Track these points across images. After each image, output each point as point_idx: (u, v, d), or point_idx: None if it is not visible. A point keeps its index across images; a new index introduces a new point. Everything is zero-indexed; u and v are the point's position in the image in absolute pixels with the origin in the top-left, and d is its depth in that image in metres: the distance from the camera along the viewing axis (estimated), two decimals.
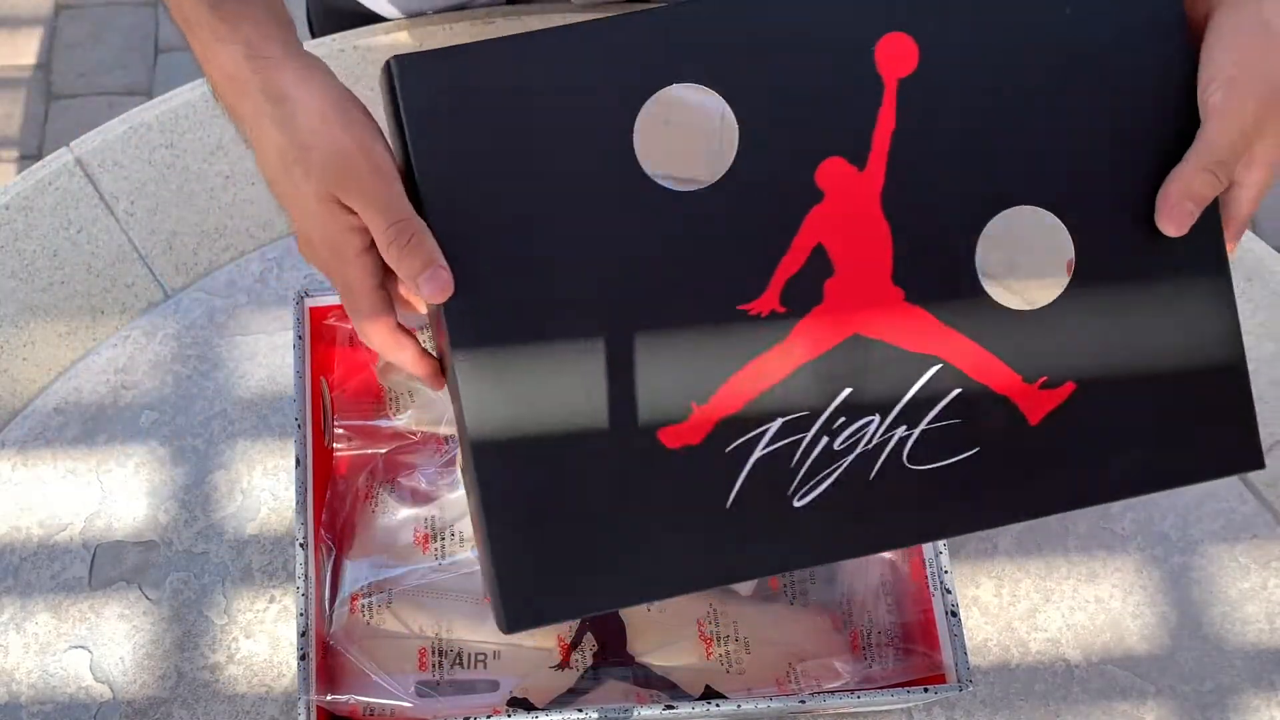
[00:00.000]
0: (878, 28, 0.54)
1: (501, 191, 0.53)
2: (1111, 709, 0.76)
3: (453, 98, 0.53)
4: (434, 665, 0.68)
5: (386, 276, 0.55)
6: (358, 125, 0.54)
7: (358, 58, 0.92)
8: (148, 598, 0.78)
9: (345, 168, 0.53)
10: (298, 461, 0.69)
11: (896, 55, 0.54)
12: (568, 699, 0.67)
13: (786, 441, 0.54)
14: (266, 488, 0.80)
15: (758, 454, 0.54)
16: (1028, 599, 0.79)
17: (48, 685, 0.76)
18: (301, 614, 0.66)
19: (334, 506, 0.73)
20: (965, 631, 0.67)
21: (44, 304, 0.86)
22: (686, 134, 0.59)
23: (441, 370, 0.57)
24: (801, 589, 0.77)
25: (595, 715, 0.64)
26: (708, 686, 0.67)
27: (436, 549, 0.70)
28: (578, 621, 0.68)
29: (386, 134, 0.55)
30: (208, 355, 0.84)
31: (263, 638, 0.77)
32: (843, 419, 0.55)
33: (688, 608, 0.69)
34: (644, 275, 0.54)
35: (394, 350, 0.57)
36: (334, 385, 0.76)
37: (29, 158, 1.77)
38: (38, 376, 0.84)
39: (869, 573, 0.72)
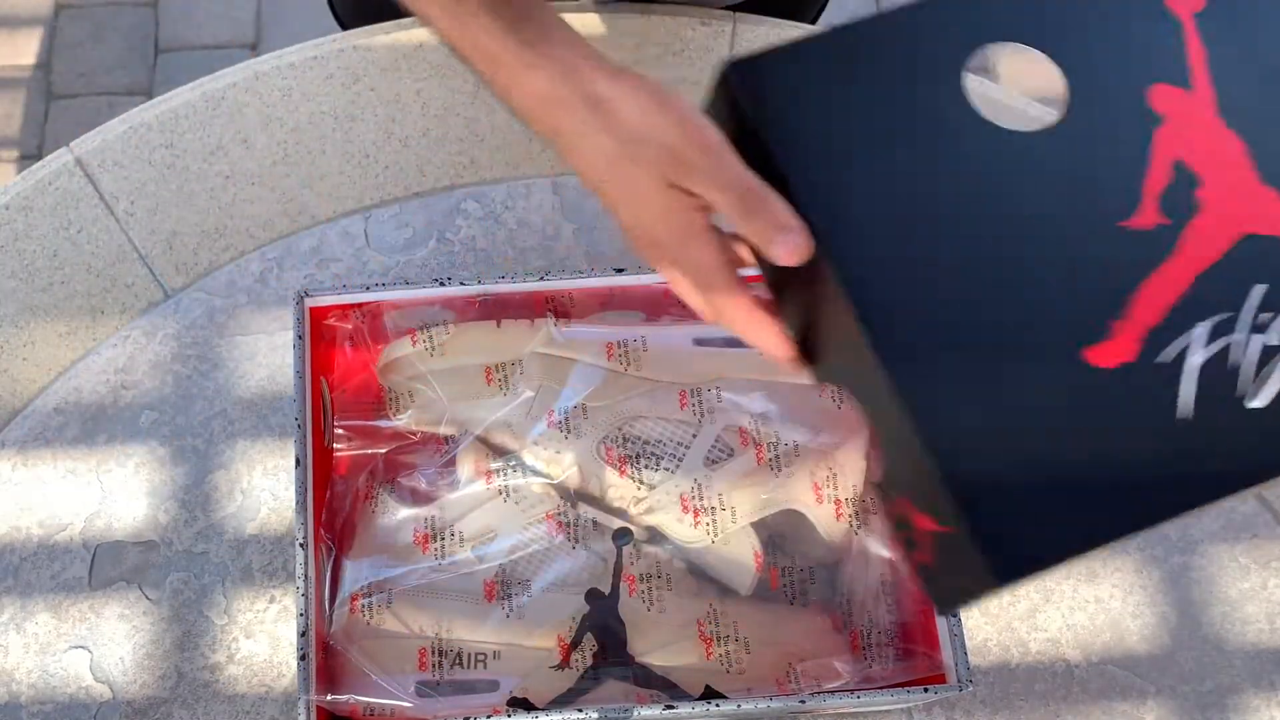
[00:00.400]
0: None
1: (862, 166, 0.55)
2: (1111, 709, 0.76)
3: (795, 89, 0.58)
4: (434, 665, 0.68)
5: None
6: (677, 110, 0.57)
7: (358, 58, 0.93)
8: (148, 598, 0.78)
9: (678, 153, 0.55)
10: (298, 461, 0.69)
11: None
12: (568, 699, 0.67)
13: (1219, 344, 0.54)
14: (266, 488, 0.80)
15: (1194, 359, 0.54)
16: (1027, 599, 0.79)
17: (48, 685, 0.76)
18: (301, 614, 0.66)
19: (334, 506, 0.73)
20: (965, 631, 0.67)
21: (44, 304, 0.86)
22: (1015, 84, 0.61)
23: (804, 353, 0.56)
24: (801, 589, 0.77)
25: (595, 715, 0.64)
26: (708, 686, 0.67)
27: (436, 549, 0.70)
28: (577, 621, 0.68)
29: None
30: (208, 355, 0.84)
31: (263, 638, 0.77)
32: (1267, 314, 0.54)
33: (688, 607, 0.69)
34: (1019, 214, 0.55)
35: (755, 328, 0.56)
36: (334, 385, 0.76)
37: (29, 158, 1.77)
38: (38, 376, 0.84)
39: (869, 573, 0.72)
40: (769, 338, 0.56)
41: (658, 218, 0.56)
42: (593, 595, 0.68)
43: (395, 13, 0.95)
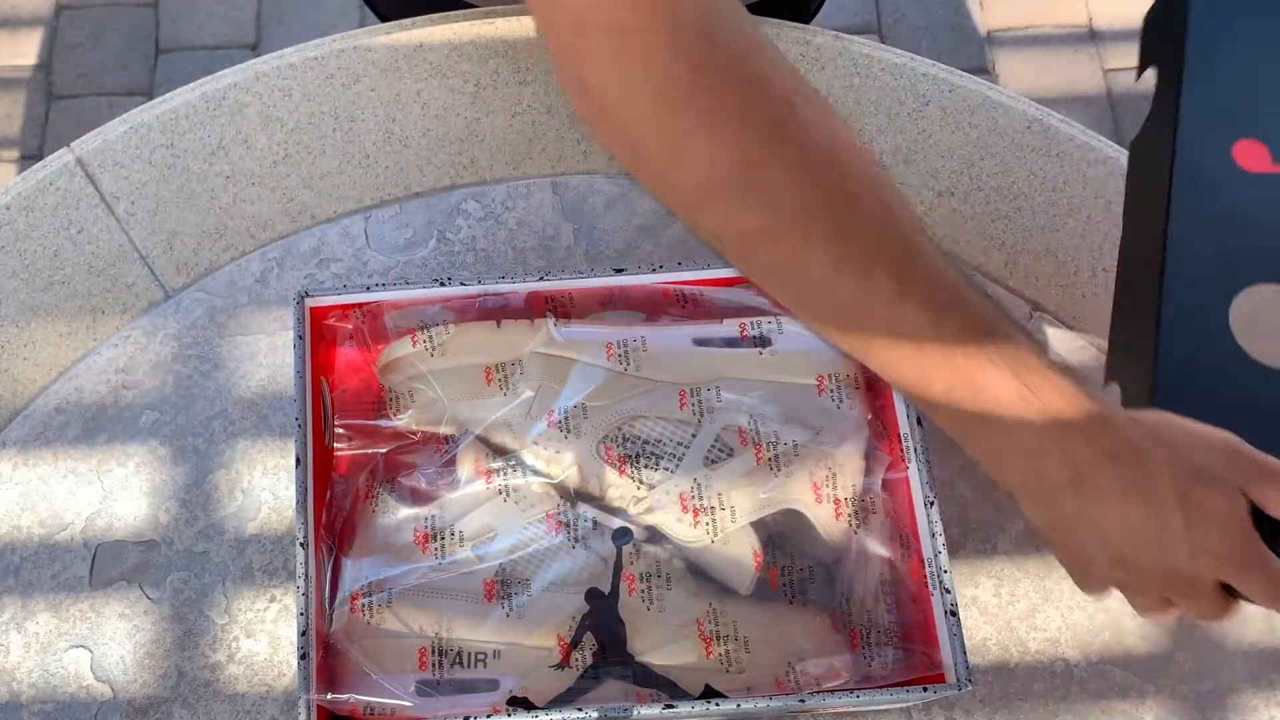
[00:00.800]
0: None
1: None
2: (1110, 709, 0.76)
3: None
4: (434, 665, 0.68)
5: None
6: (1225, 437, 0.58)
7: (358, 58, 0.93)
8: (148, 597, 0.78)
9: (1250, 460, 0.57)
10: (298, 461, 0.69)
11: None
12: (567, 698, 0.67)
13: None
14: (267, 487, 0.80)
15: None
16: (1027, 599, 0.79)
17: (48, 684, 0.76)
18: (301, 614, 0.66)
19: (334, 506, 0.73)
20: (965, 631, 0.67)
21: (44, 304, 0.86)
22: None
23: None
24: (801, 589, 0.77)
25: (595, 715, 0.64)
26: (707, 686, 0.67)
27: (436, 549, 0.70)
28: (577, 621, 0.68)
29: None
30: (208, 355, 0.84)
31: (263, 637, 0.77)
32: None
33: (687, 607, 0.69)
34: None
35: None
36: (334, 385, 0.76)
37: (29, 158, 1.77)
38: (38, 376, 0.84)
39: (869, 572, 0.72)
40: None
41: (1225, 522, 0.55)
42: (593, 595, 0.69)
43: (434, 5, 0.94)
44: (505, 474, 0.71)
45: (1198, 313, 0.66)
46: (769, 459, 0.70)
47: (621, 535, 0.69)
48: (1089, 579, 0.60)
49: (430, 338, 0.72)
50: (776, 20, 0.95)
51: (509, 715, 0.64)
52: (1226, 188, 0.68)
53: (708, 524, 0.69)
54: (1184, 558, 0.56)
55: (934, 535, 0.68)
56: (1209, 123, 0.68)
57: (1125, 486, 0.55)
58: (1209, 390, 0.65)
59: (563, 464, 0.70)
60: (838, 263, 0.53)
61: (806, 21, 1.05)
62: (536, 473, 0.71)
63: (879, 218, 0.53)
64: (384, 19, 1.04)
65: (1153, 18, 0.76)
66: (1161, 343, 0.66)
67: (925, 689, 0.66)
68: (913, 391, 0.56)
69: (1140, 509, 0.55)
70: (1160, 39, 0.75)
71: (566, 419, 0.70)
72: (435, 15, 0.94)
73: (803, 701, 0.65)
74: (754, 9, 0.96)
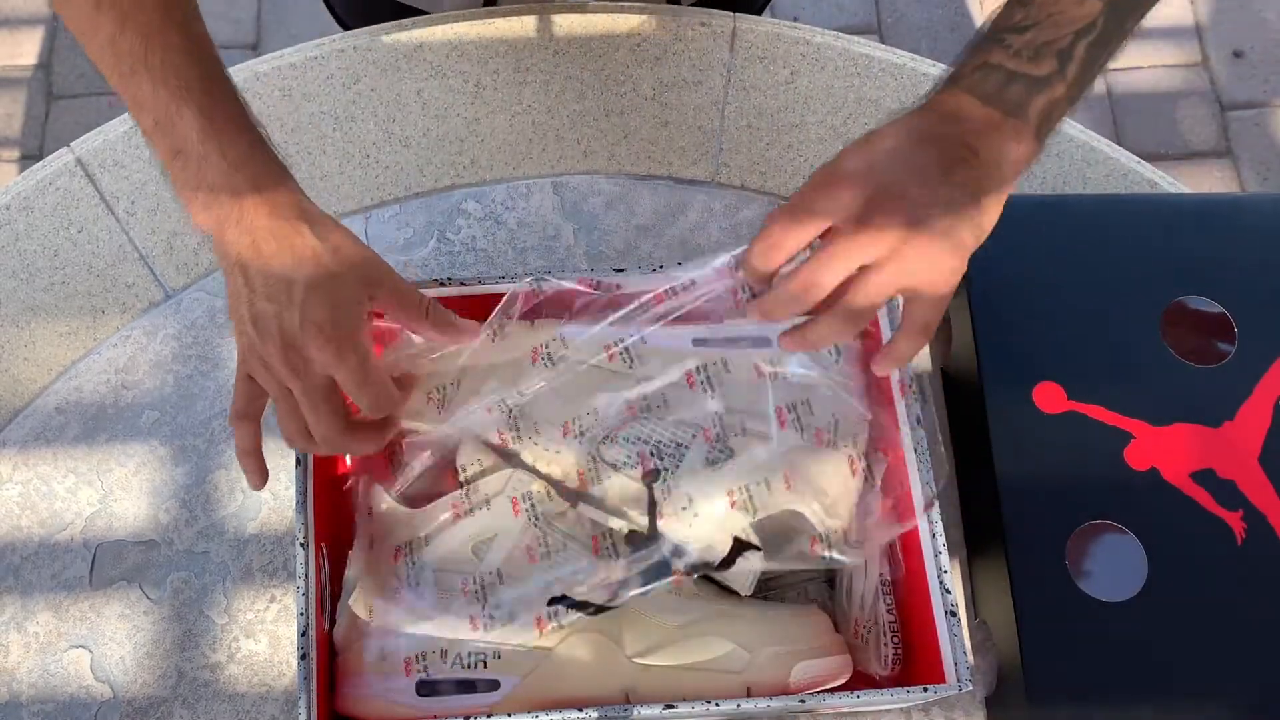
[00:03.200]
0: None
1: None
2: None
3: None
4: (434, 665, 0.68)
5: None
6: (375, 256, 0.64)
7: (358, 58, 0.93)
8: (148, 597, 0.78)
9: (384, 274, 0.64)
10: (298, 461, 0.69)
11: None
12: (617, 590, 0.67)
13: None
14: (267, 487, 0.80)
15: None
16: None
17: (48, 685, 0.76)
18: (301, 614, 0.66)
19: (334, 506, 0.73)
20: (964, 631, 0.67)
21: (45, 304, 0.86)
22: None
23: None
24: (801, 589, 0.77)
25: (595, 715, 0.64)
26: (736, 539, 0.67)
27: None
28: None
29: None
30: (208, 355, 0.84)
31: (263, 637, 0.77)
32: None
33: (688, 607, 0.69)
34: None
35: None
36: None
37: (29, 158, 1.77)
38: (39, 376, 0.84)
39: (869, 572, 0.72)
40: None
41: (340, 303, 0.61)
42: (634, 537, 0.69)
43: (396, 13, 0.95)
44: (506, 474, 0.71)
45: (1040, 559, 0.73)
46: (769, 459, 0.70)
47: (651, 475, 0.69)
48: (238, 347, 0.64)
49: (441, 393, 0.71)
50: (777, 20, 0.95)
51: (509, 716, 0.64)
52: (1033, 431, 0.76)
53: (708, 524, 0.69)
54: (294, 321, 0.60)
55: (934, 535, 0.68)
56: (1009, 370, 0.77)
57: (273, 235, 0.60)
58: (1069, 633, 0.72)
59: (563, 464, 0.70)
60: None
61: (757, 13, 1.05)
62: (537, 473, 0.70)
63: None
64: (346, 28, 1.05)
65: None
66: (1016, 592, 0.72)
67: (926, 689, 0.65)
68: (139, 125, 0.61)
69: (277, 262, 0.60)
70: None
71: (568, 420, 0.70)
72: (435, 15, 0.94)
73: (803, 701, 0.65)
74: (705, 1, 0.96)
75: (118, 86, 0.60)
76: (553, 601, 0.67)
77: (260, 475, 0.67)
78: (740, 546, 0.67)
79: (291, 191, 0.62)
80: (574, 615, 0.67)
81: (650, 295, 0.69)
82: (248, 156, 0.60)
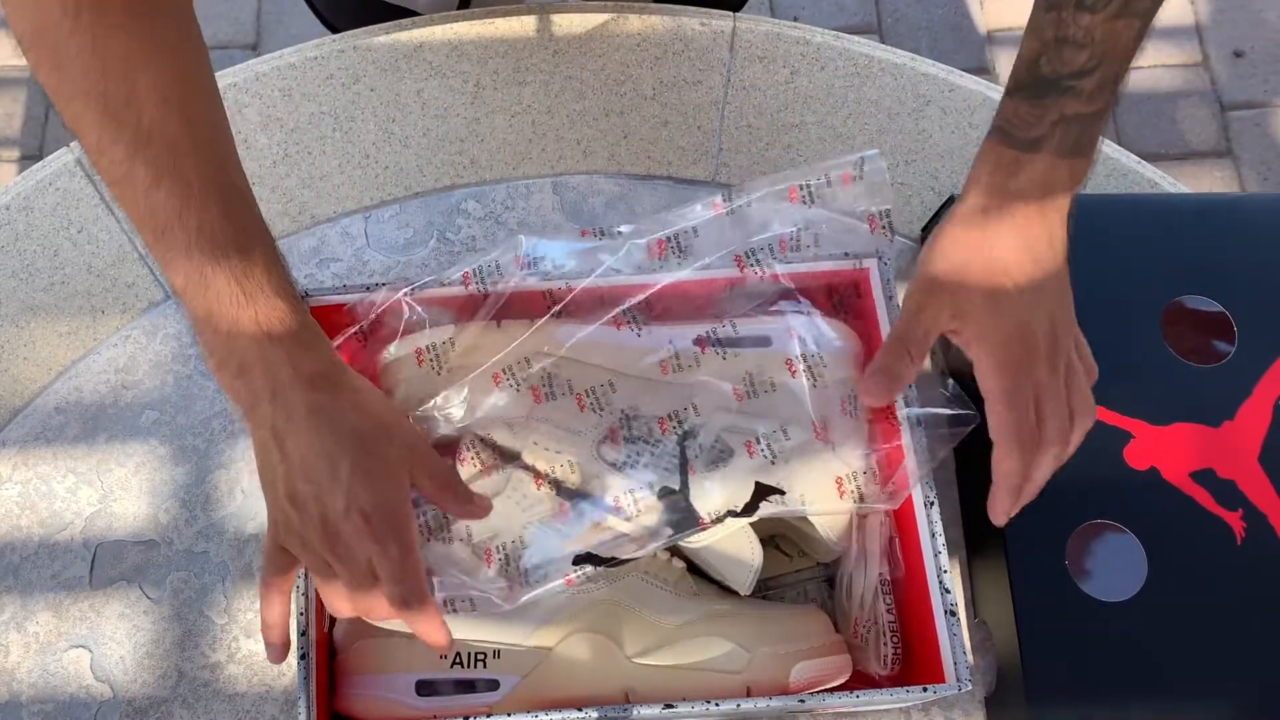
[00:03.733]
0: None
1: None
2: None
3: None
4: (434, 665, 0.68)
5: None
6: (409, 422, 0.65)
7: (358, 58, 0.93)
8: (148, 597, 0.78)
9: (422, 449, 0.63)
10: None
11: None
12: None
13: None
14: None
15: None
16: None
17: (48, 684, 0.76)
18: (301, 614, 0.66)
19: None
20: (964, 631, 0.67)
21: (45, 304, 0.86)
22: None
23: None
24: (801, 589, 0.77)
25: (595, 715, 0.64)
26: (757, 483, 0.68)
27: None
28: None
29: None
30: None
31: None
32: None
33: (687, 607, 0.69)
34: None
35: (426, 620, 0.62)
36: None
37: (29, 158, 1.77)
38: (38, 376, 0.84)
39: (869, 572, 0.72)
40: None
41: (382, 496, 0.59)
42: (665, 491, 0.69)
43: (382, 15, 0.95)
44: (506, 474, 0.71)
45: (1040, 559, 0.73)
46: (769, 459, 0.70)
47: (688, 435, 0.69)
48: (270, 518, 0.61)
49: (435, 356, 0.71)
50: (777, 21, 0.95)
51: (508, 716, 0.64)
52: None
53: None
54: (339, 507, 0.58)
55: (934, 535, 0.68)
56: None
57: (313, 412, 0.58)
58: (1069, 633, 0.72)
59: (563, 464, 0.70)
60: (106, 142, 0.55)
61: (737, 10, 1.05)
62: (537, 473, 0.70)
63: (153, 114, 0.55)
64: (334, 29, 1.05)
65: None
66: (1015, 592, 0.72)
67: (925, 689, 0.66)
68: (169, 280, 0.59)
69: (319, 441, 0.58)
70: None
71: (580, 392, 0.70)
72: (435, 15, 0.94)
73: (802, 701, 0.65)
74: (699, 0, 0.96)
75: (149, 241, 0.57)
76: (578, 560, 0.67)
77: (283, 649, 0.63)
78: (763, 492, 0.67)
79: (326, 358, 0.60)
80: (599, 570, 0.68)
81: (653, 290, 0.70)
82: (281, 324, 0.58)
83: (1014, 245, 0.63)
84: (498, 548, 0.68)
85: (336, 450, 0.58)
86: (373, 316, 0.71)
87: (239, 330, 0.57)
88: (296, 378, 0.58)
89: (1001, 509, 0.64)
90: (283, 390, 0.58)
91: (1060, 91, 0.61)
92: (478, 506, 0.65)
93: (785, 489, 0.68)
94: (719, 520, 0.67)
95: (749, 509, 0.68)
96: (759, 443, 0.69)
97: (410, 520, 0.60)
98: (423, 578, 0.61)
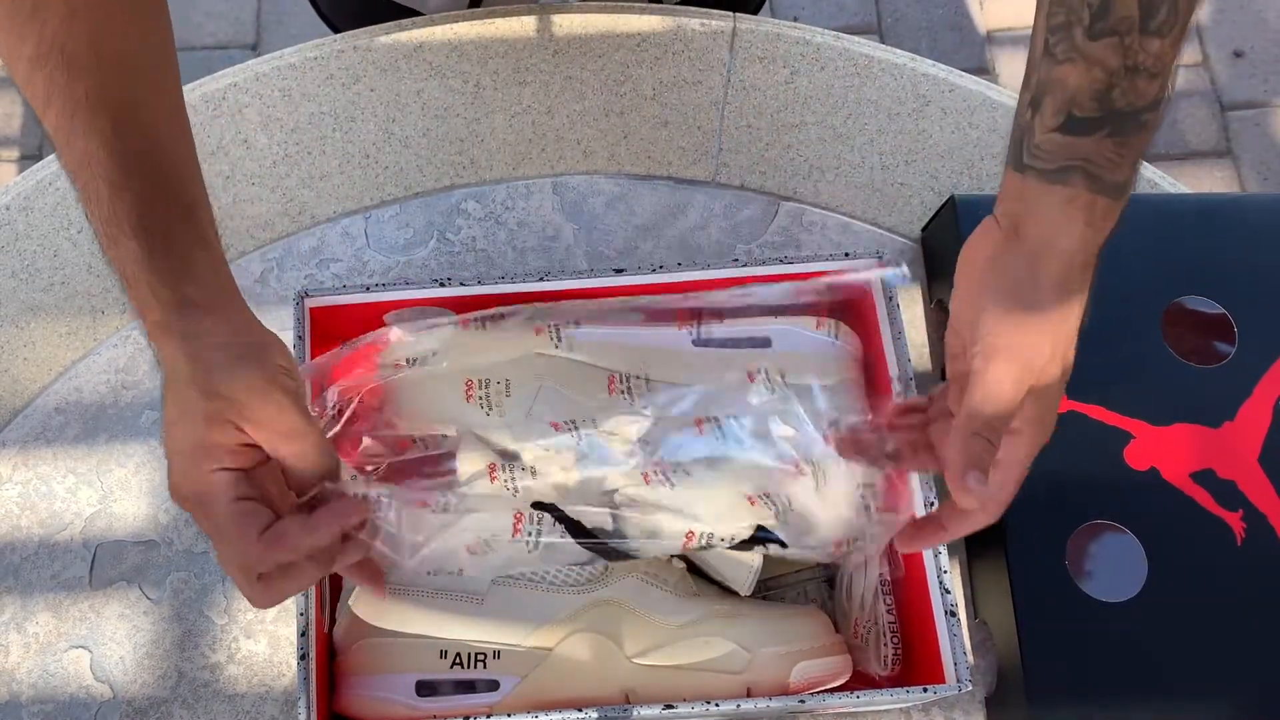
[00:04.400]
0: None
1: None
2: None
3: None
4: (434, 665, 0.68)
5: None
6: (271, 364, 0.56)
7: (358, 58, 0.93)
8: (148, 597, 0.78)
9: (251, 396, 0.55)
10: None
11: None
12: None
13: None
14: None
15: None
16: None
17: (48, 685, 0.76)
18: (301, 614, 0.66)
19: None
20: (964, 631, 0.67)
21: (45, 304, 0.86)
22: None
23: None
24: (801, 589, 0.77)
25: (595, 715, 0.64)
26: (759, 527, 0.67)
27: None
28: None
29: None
30: None
31: (263, 637, 0.77)
32: None
33: (688, 608, 0.69)
34: None
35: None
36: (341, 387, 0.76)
37: (29, 158, 1.77)
38: (38, 376, 0.84)
39: (869, 572, 0.72)
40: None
41: (191, 450, 0.55)
42: None
43: (385, 14, 0.95)
44: (506, 474, 0.71)
45: (1040, 559, 0.73)
46: (769, 459, 0.70)
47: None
48: None
49: (537, 531, 0.71)
50: (778, 21, 0.95)
51: (508, 716, 0.64)
52: None
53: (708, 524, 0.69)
54: (170, 490, 0.56)
55: None
56: None
57: (165, 367, 0.56)
58: (1069, 633, 0.72)
59: (563, 464, 0.70)
60: (12, 55, 0.53)
61: (754, 13, 1.05)
62: (536, 473, 0.70)
63: (57, 28, 0.52)
64: (335, 29, 1.05)
65: (928, 240, 0.88)
66: (1015, 593, 0.73)
67: (925, 689, 0.65)
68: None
69: (165, 407, 0.56)
70: (941, 265, 0.85)
71: (567, 419, 0.70)
72: (435, 15, 0.94)
73: (802, 702, 0.65)
74: (701, 1, 0.96)
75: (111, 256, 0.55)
76: (538, 505, 0.66)
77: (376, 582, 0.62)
78: (760, 539, 0.67)
79: (173, 300, 0.55)
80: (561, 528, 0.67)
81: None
82: (133, 269, 0.55)
83: (1080, 320, 0.58)
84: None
85: (166, 417, 0.56)
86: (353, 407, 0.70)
87: (114, 268, 0.56)
88: (149, 328, 0.56)
89: (913, 547, 0.65)
90: (152, 337, 0.56)
91: (1138, 128, 0.56)
92: (343, 505, 0.58)
93: (788, 541, 0.68)
94: (705, 546, 0.67)
95: (742, 546, 0.68)
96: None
97: (214, 497, 0.55)
98: (252, 564, 0.55)
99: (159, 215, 0.55)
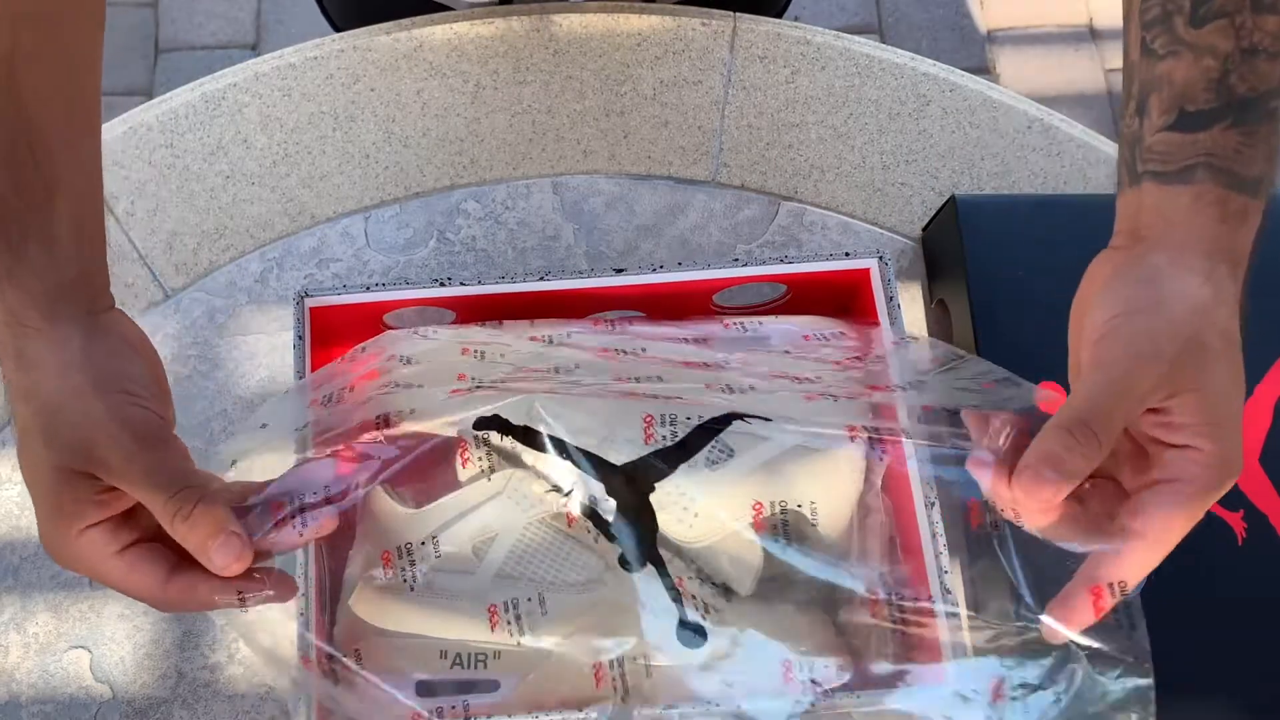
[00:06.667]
0: None
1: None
2: None
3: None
4: (434, 665, 0.68)
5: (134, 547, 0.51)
6: (115, 393, 0.49)
7: (358, 58, 0.93)
8: None
9: (98, 440, 0.48)
10: (298, 462, 0.69)
11: None
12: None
13: None
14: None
15: None
16: None
17: (48, 685, 0.76)
18: (301, 614, 0.66)
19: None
20: (965, 631, 0.67)
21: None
22: None
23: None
24: (803, 589, 0.77)
25: (595, 715, 0.64)
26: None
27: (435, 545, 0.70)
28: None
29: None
30: (208, 355, 0.84)
31: (263, 638, 0.77)
32: None
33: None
34: None
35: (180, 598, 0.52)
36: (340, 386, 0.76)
37: None
38: None
39: (870, 572, 0.72)
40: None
41: (46, 506, 0.49)
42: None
43: (389, 13, 0.95)
44: (505, 474, 0.71)
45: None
46: (770, 458, 0.70)
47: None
48: None
49: (487, 456, 0.70)
50: (778, 21, 0.95)
51: (509, 716, 0.64)
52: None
53: (708, 524, 0.69)
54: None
55: (934, 535, 0.68)
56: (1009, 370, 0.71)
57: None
58: None
59: (563, 464, 0.70)
60: None
61: (779, 16, 1.05)
62: (537, 473, 0.70)
63: None
64: (338, 29, 1.05)
65: (928, 240, 0.88)
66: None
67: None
68: None
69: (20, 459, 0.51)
70: (941, 265, 0.85)
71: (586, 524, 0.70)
72: (435, 15, 0.94)
73: (802, 702, 0.65)
74: (722, 4, 0.96)
75: None
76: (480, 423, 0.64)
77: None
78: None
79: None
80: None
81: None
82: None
83: (1238, 323, 0.51)
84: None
85: (22, 469, 0.50)
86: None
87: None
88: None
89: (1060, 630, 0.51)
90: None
91: (1265, 116, 0.49)
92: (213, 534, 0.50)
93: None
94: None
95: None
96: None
97: (93, 559, 0.50)
98: (163, 608, 0.52)
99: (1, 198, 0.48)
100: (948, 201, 0.83)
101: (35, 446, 0.49)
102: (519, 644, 0.66)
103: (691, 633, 0.67)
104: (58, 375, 0.49)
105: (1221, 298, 0.50)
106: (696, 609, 0.68)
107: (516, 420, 0.68)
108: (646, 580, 0.67)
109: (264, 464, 0.58)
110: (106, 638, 0.77)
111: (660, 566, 0.68)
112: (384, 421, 0.68)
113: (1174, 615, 0.72)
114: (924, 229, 0.88)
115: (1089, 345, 0.50)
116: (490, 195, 0.89)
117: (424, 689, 0.68)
